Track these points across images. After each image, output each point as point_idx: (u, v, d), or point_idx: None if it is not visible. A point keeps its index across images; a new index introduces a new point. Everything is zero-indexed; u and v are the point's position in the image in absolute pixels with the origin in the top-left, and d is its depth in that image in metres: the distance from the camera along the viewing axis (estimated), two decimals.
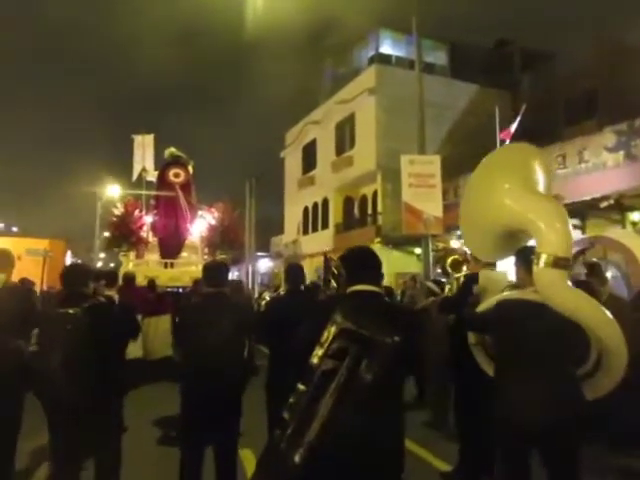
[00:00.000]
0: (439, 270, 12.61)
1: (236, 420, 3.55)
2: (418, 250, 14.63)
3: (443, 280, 6.90)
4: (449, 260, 5.35)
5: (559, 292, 2.74)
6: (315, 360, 1.90)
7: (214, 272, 3.71)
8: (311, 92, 25.08)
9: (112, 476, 3.42)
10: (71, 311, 3.16)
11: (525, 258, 2.96)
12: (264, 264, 31.87)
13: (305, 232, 25.12)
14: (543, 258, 2.71)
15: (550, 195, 3.24)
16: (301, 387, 1.90)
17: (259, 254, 29.64)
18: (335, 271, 2.81)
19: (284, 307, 4.52)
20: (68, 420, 3.11)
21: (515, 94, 20.12)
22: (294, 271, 4.24)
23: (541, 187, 3.15)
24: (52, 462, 3.34)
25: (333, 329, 1.91)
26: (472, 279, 4.28)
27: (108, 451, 3.41)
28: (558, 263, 2.66)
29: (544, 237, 2.79)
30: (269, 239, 30.41)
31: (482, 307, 3.37)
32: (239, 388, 3.58)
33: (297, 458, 1.76)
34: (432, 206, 11.62)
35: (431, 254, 11.54)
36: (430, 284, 6.51)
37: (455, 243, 14.87)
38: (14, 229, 41.69)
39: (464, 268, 4.98)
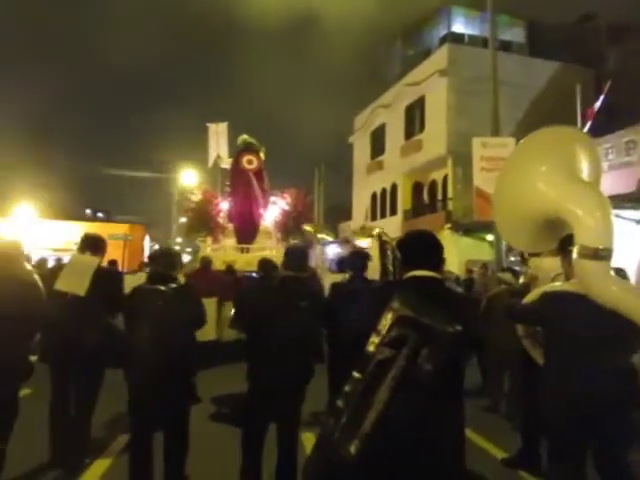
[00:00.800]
0: (512, 258, 12.21)
1: (299, 404, 3.51)
2: (490, 237, 14.20)
3: (517, 269, 6.73)
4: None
5: (599, 284, 2.61)
6: (371, 348, 1.82)
7: (296, 256, 3.64)
8: (380, 76, 24.79)
9: (181, 447, 3.50)
10: (162, 288, 3.38)
11: (565, 249, 2.87)
12: (332, 250, 32.15)
13: (373, 218, 25.06)
14: (581, 249, 2.59)
15: (596, 184, 2.99)
16: (356, 375, 1.83)
17: (327, 240, 29.98)
18: (391, 255, 2.75)
19: (343, 293, 4.62)
20: (149, 392, 3.28)
21: (599, 71, 18.84)
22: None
23: (585, 175, 2.93)
24: (131, 432, 3.50)
25: (390, 316, 1.82)
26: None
27: (180, 423, 3.51)
28: (598, 254, 2.54)
29: (582, 227, 2.64)
30: (337, 225, 30.62)
31: (529, 298, 3.26)
32: (306, 373, 3.48)
33: (352, 449, 1.70)
34: None
35: (504, 241, 11.22)
36: (501, 274, 6.34)
37: None
38: (99, 214, 44.79)
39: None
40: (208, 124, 12.77)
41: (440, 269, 2.14)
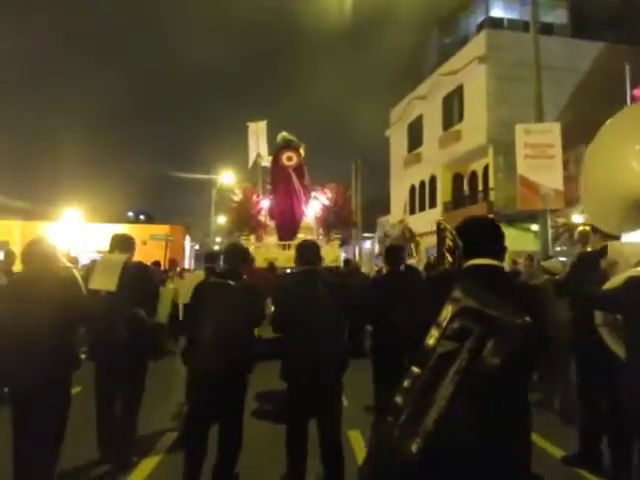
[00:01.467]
0: (558, 248, 11.74)
1: (336, 398, 3.50)
2: (535, 227, 13.77)
3: (563, 259, 6.43)
4: (579, 230, 4.99)
5: None
6: (431, 341, 1.68)
7: (306, 250, 3.64)
8: (416, 67, 24.41)
9: (236, 440, 3.49)
10: (232, 283, 3.49)
11: None
12: (368, 245, 31.99)
13: (412, 212, 24.77)
14: None
15: None
16: (415, 370, 1.69)
17: (366, 235, 29.84)
18: (451, 244, 2.58)
19: (385, 287, 4.69)
20: (209, 385, 3.33)
21: None
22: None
23: None
24: (186, 424, 3.55)
25: (451, 307, 1.68)
26: (586, 257, 4.02)
27: (235, 416, 3.50)
28: None
29: None
30: (375, 220, 30.43)
31: (610, 284, 3.09)
32: (339, 368, 3.50)
33: (414, 448, 1.60)
34: (551, 178, 10.90)
35: (550, 231, 10.85)
36: (546, 263, 5.96)
37: (578, 218, 13.79)
38: (141, 217, 46.11)
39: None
40: (248, 123, 12.83)
41: (502, 257, 2.02)
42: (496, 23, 19.70)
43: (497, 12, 20.17)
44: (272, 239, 10.97)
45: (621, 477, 3.75)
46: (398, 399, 1.70)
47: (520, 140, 10.85)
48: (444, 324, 1.67)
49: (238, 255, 3.77)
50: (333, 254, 10.32)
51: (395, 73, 27.44)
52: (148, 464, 4.11)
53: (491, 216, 17.63)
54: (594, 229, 4.00)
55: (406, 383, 1.70)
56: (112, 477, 3.85)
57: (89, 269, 4.62)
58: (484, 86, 18.05)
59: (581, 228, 5.05)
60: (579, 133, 13.78)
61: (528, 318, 1.63)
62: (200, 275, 5.37)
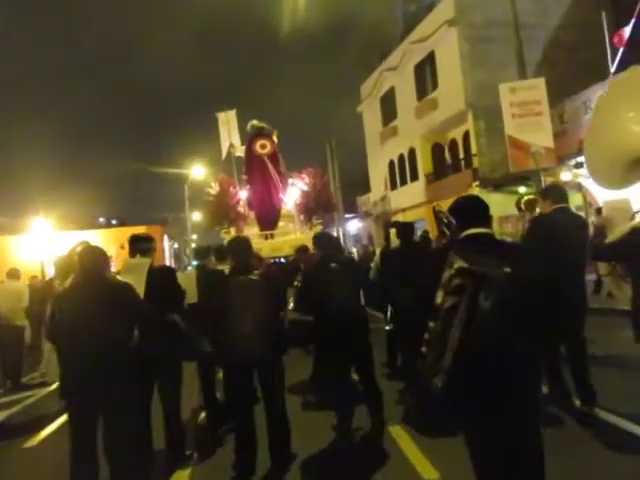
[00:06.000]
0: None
1: (370, 350, 4.38)
2: (522, 189, 13.39)
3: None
4: (524, 199, 5.64)
5: None
6: (438, 300, 2.14)
7: (327, 239, 4.58)
8: (382, 39, 23.67)
9: (285, 420, 3.80)
10: (255, 277, 3.62)
11: None
12: (353, 225, 31.52)
13: (393, 187, 24.24)
14: None
15: None
16: (431, 324, 2.18)
17: (347, 216, 29.30)
18: (446, 221, 2.89)
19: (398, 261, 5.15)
20: (249, 376, 3.68)
21: None
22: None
23: None
24: (235, 417, 3.79)
25: (450, 270, 2.13)
26: (541, 220, 4.40)
27: (277, 402, 3.79)
28: None
29: None
30: (354, 199, 29.87)
31: (613, 236, 3.42)
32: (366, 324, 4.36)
33: (439, 382, 2.04)
34: (541, 136, 10.52)
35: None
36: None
37: (567, 175, 13.42)
38: (113, 222, 44.88)
39: (537, 209, 5.05)
40: (217, 114, 12.41)
41: (489, 225, 2.40)
42: None
43: None
44: (254, 230, 10.67)
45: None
46: (424, 349, 2.40)
47: (505, 100, 10.43)
48: (446, 284, 2.14)
49: (247, 249, 3.88)
50: None
51: (361, 48, 26.67)
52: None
53: (476, 183, 17.24)
54: (545, 196, 4.41)
55: (427, 336, 2.28)
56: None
57: None
58: (457, 50, 17.40)
59: (527, 197, 5.71)
60: (558, 89, 13.40)
61: (507, 269, 2.10)
62: (193, 275, 5.04)
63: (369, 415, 4.31)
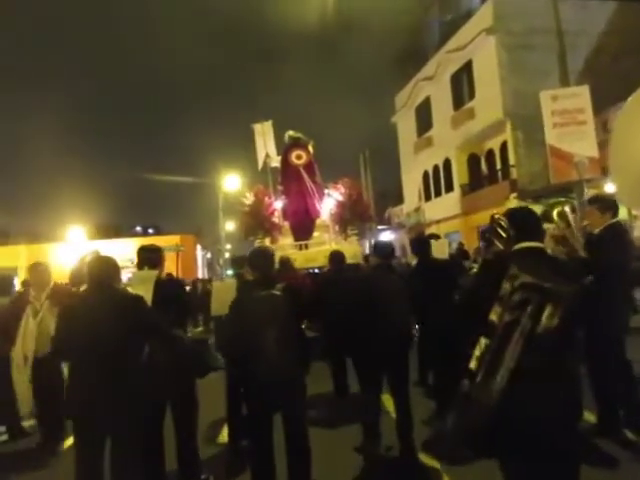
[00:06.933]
0: (585, 222, 10.88)
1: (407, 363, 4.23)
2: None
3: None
4: (556, 210, 4.92)
5: None
6: (494, 317, 2.03)
7: (385, 246, 4.50)
8: (418, 49, 23.53)
9: (307, 443, 3.51)
10: (276, 292, 3.42)
11: None
12: (385, 237, 31.23)
13: (427, 198, 23.94)
14: None
15: None
16: (484, 340, 2.05)
17: (379, 227, 29.05)
18: (499, 231, 2.76)
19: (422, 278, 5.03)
20: (271, 397, 3.36)
21: None
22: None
23: None
24: (252, 439, 3.55)
25: (510, 283, 2.03)
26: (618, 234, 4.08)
27: (298, 419, 3.53)
28: None
29: None
30: (385, 211, 29.59)
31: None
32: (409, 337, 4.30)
33: (490, 403, 1.93)
34: (584, 146, 10.09)
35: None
36: None
37: (611, 187, 12.93)
38: (150, 230, 45.88)
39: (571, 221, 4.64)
40: (253, 125, 12.42)
41: (542, 240, 2.35)
42: None
43: None
44: (288, 240, 10.61)
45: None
46: (472, 365, 2.05)
47: (547, 108, 10.06)
48: (505, 299, 2.03)
49: (268, 260, 3.63)
50: (352, 250, 9.79)
51: (396, 58, 26.56)
52: None
53: (514, 195, 16.79)
54: (605, 209, 4.08)
55: (477, 352, 2.06)
56: None
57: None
58: (495, 58, 17.12)
59: (558, 209, 4.93)
60: (602, 98, 12.93)
61: (576, 286, 2.06)
62: (232, 284, 4.96)
63: (397, 437, 4.07)
